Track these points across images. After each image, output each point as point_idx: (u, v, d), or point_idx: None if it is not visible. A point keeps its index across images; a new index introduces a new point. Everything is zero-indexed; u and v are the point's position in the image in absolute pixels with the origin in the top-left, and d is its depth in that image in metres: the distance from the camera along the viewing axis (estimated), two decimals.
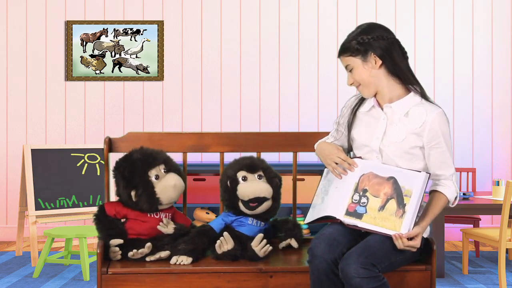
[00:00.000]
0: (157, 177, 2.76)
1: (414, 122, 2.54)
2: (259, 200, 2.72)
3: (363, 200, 2.47)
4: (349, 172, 2.56)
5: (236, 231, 2.76)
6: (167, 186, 2.74)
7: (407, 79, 2.58)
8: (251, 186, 2.72)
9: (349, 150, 2.74)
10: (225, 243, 2.64)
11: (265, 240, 2.66)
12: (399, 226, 2.39)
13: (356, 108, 2.69)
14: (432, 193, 2.59)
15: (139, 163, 2.76)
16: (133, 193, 2.74)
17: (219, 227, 2.78)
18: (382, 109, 2.61)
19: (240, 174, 2.78)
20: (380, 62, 2.54)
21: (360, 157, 2.60)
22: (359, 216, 2.44)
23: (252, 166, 2.79)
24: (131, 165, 2.76)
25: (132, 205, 2.76)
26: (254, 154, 5.82)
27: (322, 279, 2.39)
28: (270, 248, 2.66)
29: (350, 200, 2.48)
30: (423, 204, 2.61)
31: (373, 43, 2.53)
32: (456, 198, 2.58)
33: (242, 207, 2.75)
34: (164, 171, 2.79)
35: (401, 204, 2.43)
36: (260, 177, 2.80)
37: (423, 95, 2.59)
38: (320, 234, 2.49)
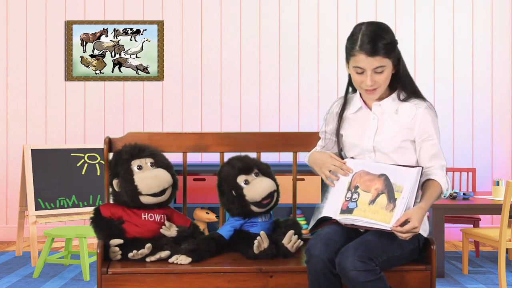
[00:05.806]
0: (139, 167, 2.76)
1: (404, 117, 2.54)
2: (271, 196, 2.75)
3: (354, 196, 2.47)
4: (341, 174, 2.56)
5: (250, 233, 2.77)
6: (147, 175, 2.72)
7: (401, 82, 2.57)
8: (259, 186, 2.74)
9: (339, 155, 2.73)
10: (262, 243, 2.65)
11: (296, 236, 2.68)
12: (389, 219, 2.38)
13: (341, 113, 2.68)
14: (425, 182, 2.54)
15: (124, 153, 2.79)
16: (115, 182, 2.75)
17: (228, 234, 2.78)
18: (370, 109, 2.61)
19: (241, 179, 2.78)
20: (397, 65, 2.54)
21: (352, 158, 2.60)
22: (350, 211, 2.44)
23: (247, 167, 2.80)
24: (117, 155, 2.80)
25: (120, 200, 2.76)
26: (254, 154, 5.82)
27: (320, 279, 2.40)
28: (302, 242, 2.69)
29: (344, 199, 2.49)
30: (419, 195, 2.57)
31: (397, 47, 2.51)
32: (448, 190, 2.53)
33: (254, 208, 2.76)
34: (151, 165, 2.79)
35: (392, 199, 2.41)
36: (257, 174, 2.81)
37: (412, 92, 2.58)
38: (317, 234, 2.50)
